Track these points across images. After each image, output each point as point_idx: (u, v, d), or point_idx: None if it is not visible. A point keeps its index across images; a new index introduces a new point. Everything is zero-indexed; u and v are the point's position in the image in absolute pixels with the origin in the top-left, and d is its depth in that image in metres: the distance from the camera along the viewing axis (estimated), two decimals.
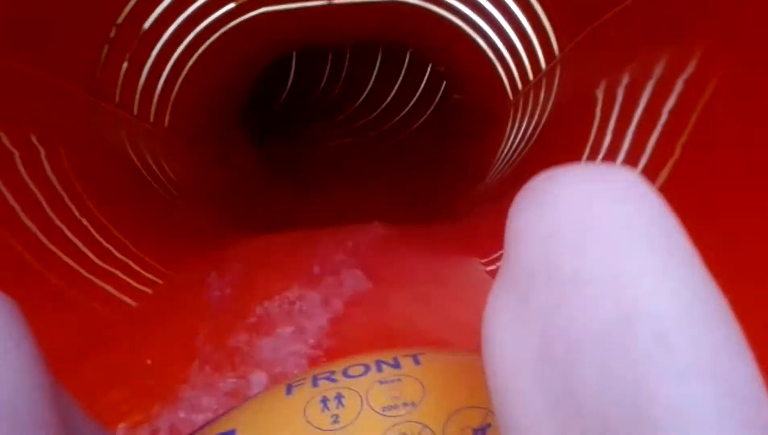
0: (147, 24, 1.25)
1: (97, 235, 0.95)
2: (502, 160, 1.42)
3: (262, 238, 1.13)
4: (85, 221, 0.94)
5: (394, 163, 2.08)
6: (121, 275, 0.92)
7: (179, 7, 1.31)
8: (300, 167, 2.10)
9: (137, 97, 1.30)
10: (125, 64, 1.23)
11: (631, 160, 0.95)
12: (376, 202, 1.58)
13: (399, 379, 0.46)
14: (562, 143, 1.19)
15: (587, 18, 1.04)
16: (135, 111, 1.28)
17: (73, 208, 0.95)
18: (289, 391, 0.46)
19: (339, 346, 0.78)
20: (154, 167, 1.19)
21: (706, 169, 0.85)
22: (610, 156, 1.01)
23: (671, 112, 0.91)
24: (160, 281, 0.93)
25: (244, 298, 0.86)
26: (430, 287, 0.93)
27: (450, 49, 1.87)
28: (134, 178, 1.08)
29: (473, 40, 1.59)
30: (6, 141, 0.87)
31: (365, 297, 0.91)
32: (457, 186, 1.55)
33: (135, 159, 1.10)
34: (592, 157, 1.05)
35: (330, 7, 1.67)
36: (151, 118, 1.33)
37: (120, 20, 1.14)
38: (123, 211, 0.99)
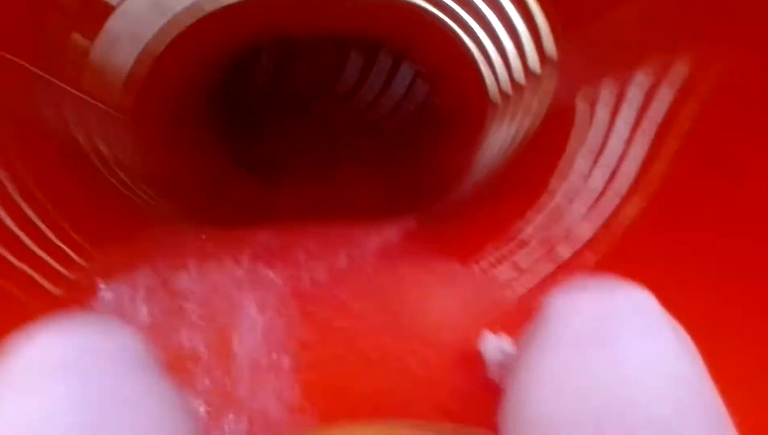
0: None
1: (32, 216, 0.85)
2: (483, 164, 1.36)
3: (214, 231, 1.04)
4: (21, 201, 0.84)
5: (370, 162, 2.01)
6: (50, 261, 0.83)
7: None
8: (269, 161, 2.01)
9: (91, 74, 1.19)
10: (80, 37, 1.12)
11: (612, 177, 0.91)
12: (348, 200, 1.52)
13: None
14: (544, 151, 1.14)
15: (586, 17, 0.97)
16: (87, 88, 1.17)
17: (9, 184, 0.85)
18: None
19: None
20: (105, 151, 1.09)
21: (696, 181, 0.80)
22: (591, 169, 0.96)
23: (659, 125, 0.87)
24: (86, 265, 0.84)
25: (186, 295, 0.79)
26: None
27: (433, 48, 1.81)
28: (77, 160, 0.99)
29: (459, 38, 1.52)
30: None
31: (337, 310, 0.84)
32: (434, 187, 1.49)
33: (81, 139, 1.01)
34: (568, 170, 1.00)
35: None
36: (107, 99, 1.23)
37: None
38: (60, 192, 0.90)
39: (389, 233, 1.11)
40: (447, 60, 1.65)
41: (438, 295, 0.85)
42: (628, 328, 0.37)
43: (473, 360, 0.72)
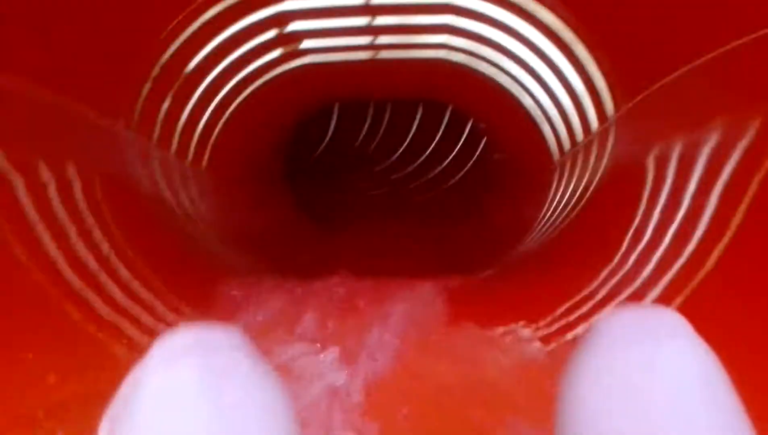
0: (190, 66, 1.25)
1: (124, 272, 0.92)
2: (545, 223, 1.36)
3: (296, 285, 1.09)
4: (113, 257, 0.91)
5: (430, 216, 2.04)
6: (143, 315, 0.89)
7: (224, 52, 1.31)
8: (336, 215, 2.08)
9: (176, 136, 1.29)
10: (167, 103, 1.22)
11: (682, 237, 0.89)
12: (410, 258, 1.54)
13: None
14: (609, 211, 1.14)
15: (646, 78, 0.99)
16: (174, 149, 1.26)
17: (103, 242, 0.92)
18: None
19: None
20: (188, 206, 1.17)
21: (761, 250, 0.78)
22: (660, 230, 0.95)
23: (726, 186, 0.85)
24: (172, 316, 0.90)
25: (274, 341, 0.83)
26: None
27: (493, 108, 1.85)
28: (166, 216, 1.06)
29: (518, 99, 1.56)
30: (43, 169, 0.85)
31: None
32: (493, 245, 1.49)
33: (169, 196, 1.09)
34: (639, 231, 0.99)
35: (375, 62, 1.67)
36: (189, 158, 1.32)
37: (164, 60, 1.14)
38: (152, 249, 0.97)
39: (450, 288, 1.12)
40: (506, 117, 1.69)
41: (499, 361, 0.84)
42: (666, 339, 0.40)
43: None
